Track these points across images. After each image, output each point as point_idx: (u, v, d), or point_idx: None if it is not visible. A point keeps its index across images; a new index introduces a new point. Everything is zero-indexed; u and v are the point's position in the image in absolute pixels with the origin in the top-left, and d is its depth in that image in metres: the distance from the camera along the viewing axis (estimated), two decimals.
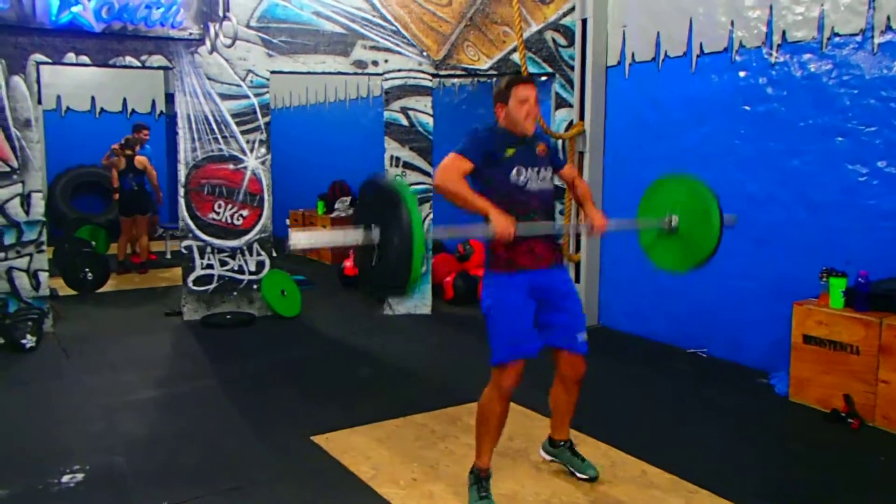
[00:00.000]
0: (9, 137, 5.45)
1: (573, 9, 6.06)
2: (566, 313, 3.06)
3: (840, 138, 4.42)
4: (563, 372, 3.13)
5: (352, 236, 2.58)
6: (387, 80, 6.31)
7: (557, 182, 3.18)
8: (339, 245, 2.56)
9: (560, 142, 6.12)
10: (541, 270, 2.98)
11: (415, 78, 6.31)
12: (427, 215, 6.42)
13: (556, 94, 6.22)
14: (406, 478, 3.29)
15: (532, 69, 6.04)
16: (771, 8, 4.72)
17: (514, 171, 2.94)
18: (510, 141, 2.97)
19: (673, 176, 3.35)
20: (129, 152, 7.98)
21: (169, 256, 9.37)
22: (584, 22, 5.91)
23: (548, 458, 3.35)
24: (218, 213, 6.18)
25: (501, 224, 2.75)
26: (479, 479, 3.03)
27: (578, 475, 3.23)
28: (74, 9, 5.45)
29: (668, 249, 3.27)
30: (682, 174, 3.33)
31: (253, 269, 6.31)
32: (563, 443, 3.30)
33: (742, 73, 4.93)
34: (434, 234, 2.54)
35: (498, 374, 2.93)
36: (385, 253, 2.53)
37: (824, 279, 4.20)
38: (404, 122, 6.34)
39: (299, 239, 2.48)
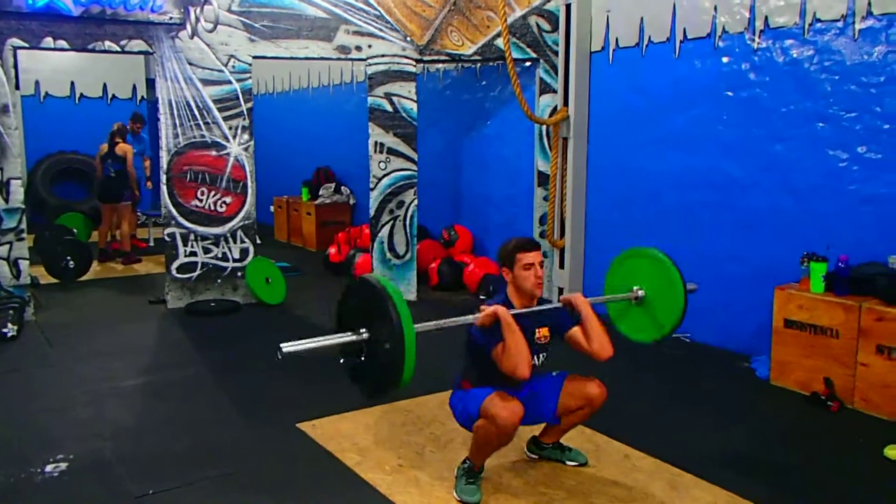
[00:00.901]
0: None
1: None
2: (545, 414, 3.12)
3: (821, 124, 4.45)
4: (591, 397, 3.13)
5: (342, 340, 2.60)
6: (370, 65, 6.27)
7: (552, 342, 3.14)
8: (330, 346, 2.58)
9: (546, 132, 6.13)
10: (524, 386, 3.03)
11: (399, 63, 6.28)
12: (411, 201, 6.41)
13: (541, 79, 6.22)
14: (392, 463, 3.31)
15: (516, 54, 6.02)
16: None
17: None
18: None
19: (637, 251, 3.43)
20: (117, 140, 7.87)
21: (152, 244, 9.29)
22: (567, 7, 5.90)
23: (533, 457, 3.37)
24: (201, 200, 6.13)
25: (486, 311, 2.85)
26: (472, 472, 3.04)
27: (569, 463, 3.28)
28: None
29: (635, 320, 3.37)
30: (645, 249, 3.40)
31: (237, 256, 6.28)
32: (550, 445, 3.33)
33: (725, 59, 4.95)
34: (422, 327, 2.58)
35: (488, 414, 2.87)
36: (376, 351, 2.54)
37: (805, 264, 4.25)
38: (388, 107, 6.31)
39: (291, 347, 2.52)
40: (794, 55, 4.57)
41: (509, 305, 2.97)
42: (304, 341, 2.50)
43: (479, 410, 2.90)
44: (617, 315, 3.46)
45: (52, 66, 10.89)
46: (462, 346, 3.13)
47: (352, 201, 9.51)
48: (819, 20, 4.43)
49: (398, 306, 2.49)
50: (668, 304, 3.24)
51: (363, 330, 2.58)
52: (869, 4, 4.19)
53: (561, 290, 6.13)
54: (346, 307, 2.72)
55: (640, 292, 3.32)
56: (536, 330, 3.03)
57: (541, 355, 3.08)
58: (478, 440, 2.96)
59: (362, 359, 2.59)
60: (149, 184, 9.00)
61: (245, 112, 6.13)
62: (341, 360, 2.67)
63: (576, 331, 3.05)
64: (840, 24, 4.33)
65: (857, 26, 4.26)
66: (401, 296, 2.55)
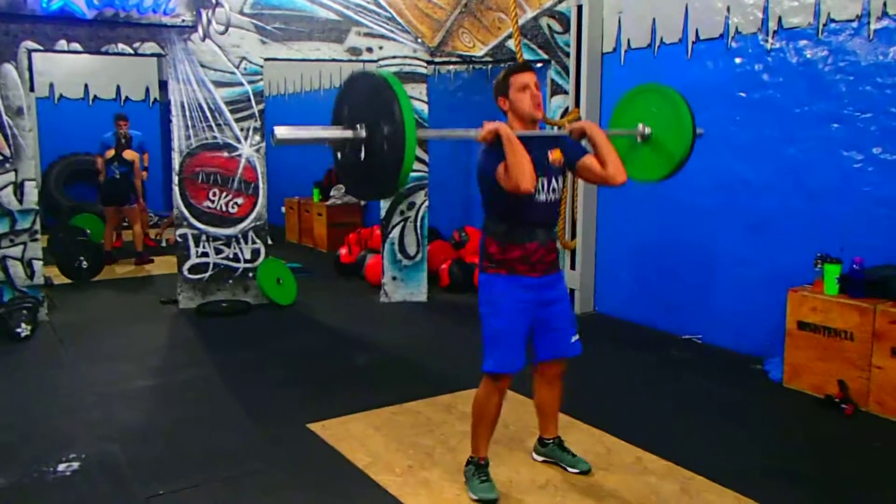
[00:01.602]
0: (0, 126, 5.41)
1: None
2: (560, 326, 3.06)
3: (836, 125, 4.41)
4: (545, 370, 3.15)
5: (338, 132, 2.47)
6: (381, 67, 6.27)
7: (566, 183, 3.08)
8: (324, 139, 2.46)
9: (556, 130, 6.11)
10: (535, 280, 2.94)
11: (410, 65, 6.28)
12: (423, 202, 6.41)
13: (552, 80, 6.20)
14: (402, 465, 3.30)
15: (527, 56, 6.01)
16: None
17: None
18: (525, 147, 2.82)
19: (645, 86, 3.30)
20: (122, 141, 7.94)
21: (164, 244, 9.34)
22: (579, 8, 5.88)
23: (540, 459, 3.35)
24: (213, 201, 6.16)
25: (487, 127, 2.76)
26: (479, 466, 3.04)
27: (570, 470, 3.23)
28: None
29: (641, 159, 3.25)
30: (653, 84, 3.29)
31: (248, 257, 6.30)
32: (551, 440, 3.31)
33: (738, 60, 4.92)
34: (423, 134, 2.44)
35: (491, 378, 2.94)
36: (375, 147, 2.41)
37: (819, 266, 4.21)
38: None
39: (281, 132, 2.38)
40: (808, 56, 4.53)
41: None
42: (299, 128, 2.39)
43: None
44: (622, 155, 3.33)
45: (67, 69, 10.98)
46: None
47: (363, 202, 9.52)
48: (833, 20, 4.39)
49: (399, 93, 2.37)
50: (676, 138, 3.10)
51: (360, 126, 2.47)
52: (884, 4, 4.15)
53: (572, 292, 6.11)
54: (345, 101, 2.59)
55: (647, 129, 3.18)
56: (548, 152, 2.91)
57: (559, 178, 2.95)
58: (476, 412, 3.01)
59: (359, 158, 2.47)
60: (145, 174, 9.03)
61: (257, 114, 6.15)
62: (337, 155, 2.51)
63: (588, 159, 2.94)
64: (855, 25, 4.29)
65: (873, 27, 4.22)
66: (405, 94, 2.41)
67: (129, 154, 7.95)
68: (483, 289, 2.99)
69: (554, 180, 2.93)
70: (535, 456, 3.36)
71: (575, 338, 3.09)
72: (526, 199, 2.82)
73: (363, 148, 2.45)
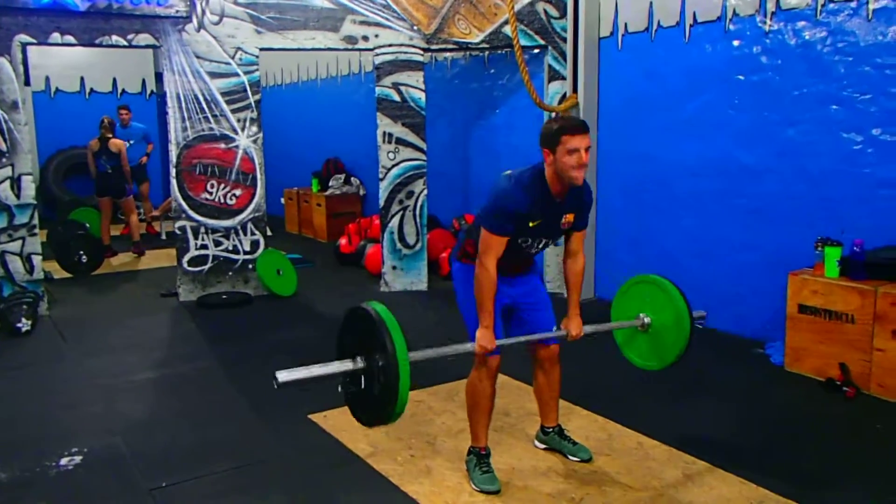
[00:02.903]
0: None
1: None
2: (538, 315, 3.10)
3: (835, 107, 4.39)
4: (540, 357, 3.17)
5: (337, 367, 2.57)
6: (378, 55, 6.24)
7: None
8: (327, 375, 2.54)
9: (554, 115, 6.08)
10: (509, 278, 3.01)
11: (406, 53, 6.24)
12: (421, 191, 6.39)
13: (549, 66, 6.16)
14: (404, 454, 3.30)
15: (524, 42, 5.97)
16: None
17: (523, 239, 2.88)
18: (540, 209, 2.82)
19: (643, 278, 3.34)
20: (108, 135, 7.88)
21: (164, 237, 9.34)
22: None
23: (541, 446, 3.35)
24: (211, 193, 6.14)
25: (484, 339, 2.82)
26: (480, 456, 3.04)
27: (571, 458, 3.23)
28: None
29: (642, 347, 3.31)
30: (652, 277, 3.31)
31: (248, 248, 6.29)
32: (551, 429, 3.31)
33: (736, 43, 4.88)
34: (416, 357, 2.53)
35: (480, 359, 2.97)
36: (372, 380, 2.51)
37: (819, 248, 4.19)
38: (396, 97, 6.28)
39: (283, 376, 2.51)
40: (807, 37, 4.49)
41: (542, 187, 2.81)
42: (300, 370, 2.49)
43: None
44: (624, 341, 3.40)
45: (62, 62, 10.94)
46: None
47: (362, 192, 9.50)
48: (832, 1, 4.35)
49: (393, 336, 2.43)
50: (674, 334, 3.15)
51: (359, 358, 2.55)
52: None
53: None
54: (345, 335, 2.68)
55: (647, 319, 3.23)
56: (565, 215, 2.93)
57: (553, 240, 3.03)
58: (469, 400, 3.04)
59: (360, 387, 2.56)
60: (144, 159, 9.18)
61: (253, 104, 6.12)
62: (339, 389, 2.64)
63: (575, 237, 3.03)
64: (853, 5, 4.26)
65: (871, 6, 4.18)
66: (396, 325, 2.48)
67: (114, 145, 7.86)
68: (458, 276, 3.08)
69: (552, 241, 3.02)
70: (536, 444, 3.37)
71: (555, 328, 3.10)
72: (517, 248, 2.89)
73: (363, 378, 2.55)
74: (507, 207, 2.78)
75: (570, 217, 2.95)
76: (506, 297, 3.03)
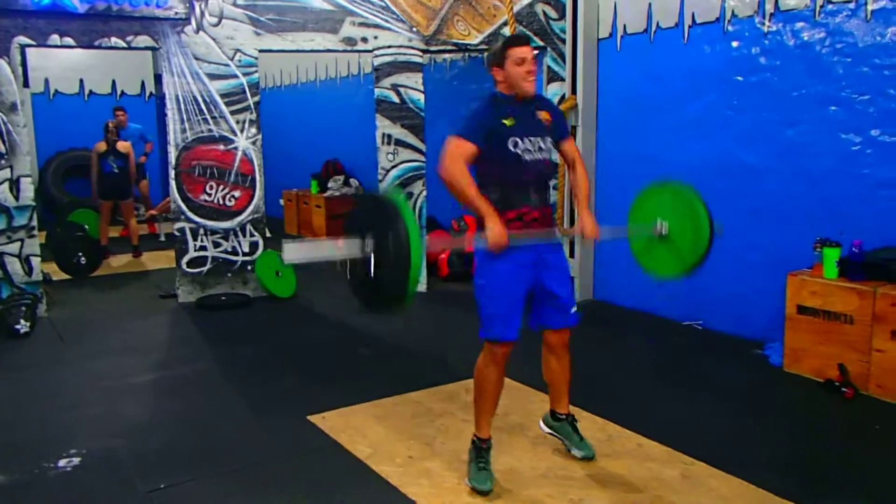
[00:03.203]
0: None
1: None
2: (559, 295, 3.03)
3: (834, 107, 4.39)
4: (550, 342, 3.13)
5: (347, 247, 2.52)
6: (377, 56, 6.24)
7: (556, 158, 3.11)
8: (335, 258, 2.50)
9: None
10: (533, 249, 2.93)
11: (405, 54, 6.24)
12: (420, 192, 6.39)
13: (548, 67, 6.17)
14: (403, 455, 3.30)
15: None
16: None
17: (511, 142, 2.86)
18: (510, 110, 2.87)
19: (662, 183, 3.32)
20: (114, 138, 7.91)
21: (162, 238, 9.35)
22: None
23: (547, 430, 3.33)
24: (210, 195, 6.14)
25: (495, 234, 2.73)
26: (480, 449, 3.03)
27: (573, 452, 3.23)
28: None
29: (659, 256, 3.27)
30: (671, 181, 3.29)
31: (247, 250, 6.29)
32: (564, 416, 3.28)
33: (735, 44, 4.89)
34: (429, 245, 2.48)
35: (489, 345, 2.94)
36: (381, 265, 2.47)
37: (818, 249, 4.19)
38: (395, 99, 6.28)
39: (292, 252, 2.44)
40: (806, 38, 4.50)
41: (502, 98, 2.89)
42: (307, 245, 2.44)
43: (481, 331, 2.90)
44: (640, 250, 3.33)
45: (61, 64, 10.93)
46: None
47: (361, 193, 9.50)
48: (830, 2, 4.36)
49: (406, 219, 2.40)
50: (693, 238, 3.10)
51: (369, 242, 2.50)
52: None
53: (572, 280, 6.09)
54: (353, 220, 2.64)
55: (664, 228, 3.18)
56: (538, 112, 2.95)
57: (546, 138, 2.97)
58: (477, 387, 3.01)
59: (366, 272, 2.50)
60: (143, 158, 9.28)
61: (252, 106, 6.12)
62: (346, 271, 2.57)
63: (567, 145, 3.05)
64: (852, 6, 4.26)
65: (870, 7, 4.18)
66: (409, 209, 2.46)
67: (122, 146, 7.91)
68: (479, 261, 2.98)
69: (541, 140, 2.94)
70: (542, 426, 3.34)
71: (574, 309, 3.08)
72: (514, 159, 2.86)
73: (372, 264, 2.50)
74: (475, 113, 2.84)
75: (545, 114, 2.97)
76: (528, 285, 2.95)
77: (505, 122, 2.86)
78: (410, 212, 2.46)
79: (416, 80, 6.28)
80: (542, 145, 2.95)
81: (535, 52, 6.18)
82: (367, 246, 2.50)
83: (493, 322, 2.90)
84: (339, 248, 2.51)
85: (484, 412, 3.03)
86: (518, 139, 2.87)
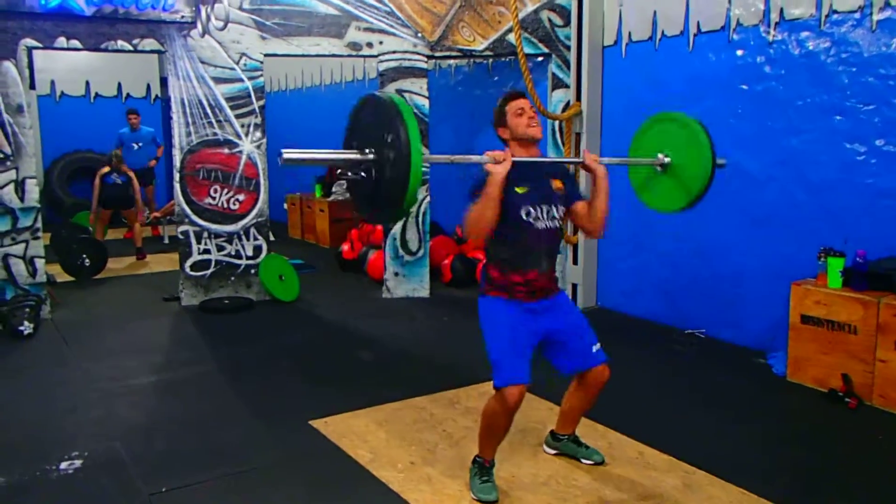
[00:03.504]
0: (0, 124, 5.41)
1: None
2: (574, 338, 3.02)
3: (838, 117, 4.39)
4: (588, 381, 3.07)
5: (346, 154, 2.49)
6: (382, 62, 6.25)
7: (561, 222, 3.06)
8: (332, 161, 2.47)
9: (559, 127, 6.09)
10: (535, 305, 2.94)
11: (410, 60, 6.26)
12: (423, 198, 6.40)
13: (553, 74, 6.17)
14: (404, 461, 3.30)
15: (528, 49, 5.98)
16: None
17: (524, 210, 2.85)
18: (522, 176, 2.83)
19: (664, 115, 3.28)
20: (121, 165, 8.06)
21: (166, 241, 9.36)
22: (580, 1, 5.85)
23: (552, 452, 3.33)
24: (214, 198, 6.15)
25: (496, 160, 2.72)
26: (483, 468, 3.02)
27: (585, 462, 3.23)
28: None
29: (659, 189, 3.24)
30: (675, 113, 3.25)
31: (250, 253, 6.29)
32: (565, 436, 3.30)
33: (740, 52, 4.89)
34: (432, 159, 2.45)
35: (500, 393, 2.84)
36: (382, 169, 2.42)
37: (822, 259, 4.19)
38: None
39: (291, 154, 2.41)
40: (810, 47, 4.50)
41: (510, 171, 2.83)
42: (307, 151, 2.42)
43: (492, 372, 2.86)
44: (640, 184, 3.30)
45: (68, 66, 10.97)
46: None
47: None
48: (836, 11, 4.36)
49: (408, 124, 2.37)
50: (695, 169, 3.07)
51: (369, 150, 2.47)
52: None
53: (575, 287, 6.10)
54: (354, 124, 2.61)
55: (666, 159, 3.15)
56: (552, 180, 2.95)
57: (559, 206, 2.95)
58: (484, 423, 2.95)
59: (364, 175, 2.47)
60: (153, 162, 9.51)
61: (257, 110, 6.13)
62: (347, 175, 2.53)
63: (580, 206, 3.00)
64: (857, 16, 4.26)
65: (875, 17, 4.18)
66: (412, 116, 2.42)
67: (127, 170, 8.14)
68: (483, 310, 2.98)
69: (554, 208, 2.94)
70: (546, 449, 3.35)
71: (596, 347, 3.04)
72: (525, 226, 2.86)
73: (372, 170, 2.47)
74: (486, 178, 2.78)
75: (558, 183, 2.96)
76: (536, 334, 2.94)
77: (518, 189, 2.84)
78: (410, 111, 2.41)
79: (420, 85, 6.29)
80: (555, 213, 2.95)
81: (540, 63, 6.23)
82: (367, 153, 2.46)
83: (501, 366, 2.84)
84: (338, 154, 2.48)
85: (490, 445, 3.01)
86: (531, 207, 2.87)
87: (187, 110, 5.97)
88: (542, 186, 2.91)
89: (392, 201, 2.45)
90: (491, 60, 7.09)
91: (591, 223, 2.98)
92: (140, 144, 9.16)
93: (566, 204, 2.99)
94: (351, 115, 2.65)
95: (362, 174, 2.48)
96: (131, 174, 8.16)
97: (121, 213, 8.34)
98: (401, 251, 6.43)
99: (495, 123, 2.97)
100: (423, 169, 2.43)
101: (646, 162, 3.22)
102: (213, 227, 6.17)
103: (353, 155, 2.50)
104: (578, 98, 5.93)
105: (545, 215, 2.91)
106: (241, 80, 6.05)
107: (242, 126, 6.12)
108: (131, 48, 5.77)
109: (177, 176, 6.05)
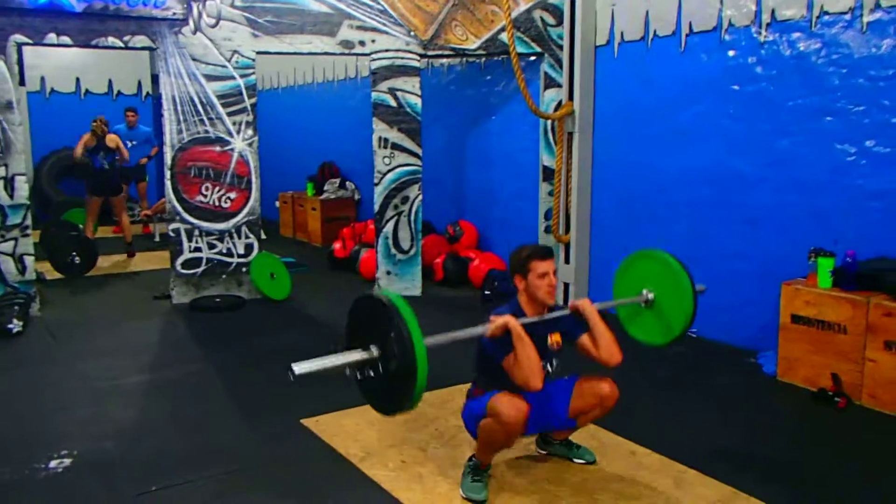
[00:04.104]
0: None
1: None
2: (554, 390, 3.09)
3: (829, 118, 4.41)
4: (603, 396, 3.08)
5: (353, 357, 2.54)
6: (374, 60, 6.24)
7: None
8: (342, 366, 2.51)
9: (551, 126, 6.10)
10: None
11: (402, 58, 6.25)
12: (416, 196, 6.39)
13: (545, 74, 6.18)
14: (395, 460, 3.29)
15: (520, 49, 5.99)
16: None
17: None
18: (525, 330, 2.85)
19: (644, 253, 3.40)
20: (104, 129, 7.82)
21: (157, 239, 9.33)
22: (572, 1, 5.86)
23: (542, 452, 3.35)
24: (205, 196, 6.12)
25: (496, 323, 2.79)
26: (478, 469, 3.03)
27: (577, 461, 3.25)
28: None
29: (645, 324, 3.35)
30: (652, 252, 3.37)
31: (241, 251, 6.27)
32: (558, 441, 3.32)
33: (731, 53, 4.91)
34: (432, 342, 2.51)
35: (494, 411, 2.84)
36: (388, 367, 2.49)
37: (812, 259, 4.21)
38: (392, 102, 6.28)
39: (301, 368, 2.46)
40: (802, 48, 4.52)
41: (520, 314, 2.93)
42: (315, 361, 2.44)
43: (485, 408, 2.88)
44: (627, 318, 3.43)
45: (58, 63, 10.90)
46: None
47: (356, 197, 9.50)
48: (827, 13, 4.38)
49: (408, 323, 2.43)
50: (678, 307, 3.20)
51: (373, 347, 2.53)
52: None
53: (567, 286, 6.10)
54: (354, 322, 2.66)
55: (650, 295, 3.29)
56: (549, 336, 3.01)
57: (553, 361, 3.07)
58: (482, 438, 2.95)
59: (372, 375, 2.53)
60: (144, 160, 9.42)
61: (249, 107, 6.11)
62: (356, 376, 2.59)
63: (585, 338, 3.03)
64: (848, 17, 4.28)
65: (866, 19, 4.21)
66: (410, 310, 2.48)
67: (111, 140, 7.86)
68: (472, 405, 3.02)
69: (549, 364, 3.01)
70: (538, 450, 3.36)
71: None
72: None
73: (379, 366, 2.52)
74: (502, 339, 2.82)
75: (556, 337, 3.02)
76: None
77: None
78: (410, 312, 2.47)
79: (413, 84, 6.28)
80: (550, 368, 3.03)
81: (532, 62, 6.23)
82: (372, 351, 2.52)
83: (483, 399, 2.90)
84: (346, 359, 2.52)
85: (488, 453, 3.02)
86: None
87: (179, 108, 5.94)
88: (541, 342, 2.93)
89: (402, 394, 2.50)
90: (483, 59, 7.09)
91: (600, 351, 2.99)
92: (134, 143, 9.10)
93: (571, 341, 3.05)
94: (349, 315, 2.69)
95: (370, 373, 2.54)
96: (116, 142, 7.90)
97: (109, 201, 8.15)
98: (393, 250, 6.43)
99: (513, 269, 3.00)
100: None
101: (631, 301, 3.34)
102: (205, 224, 6.15)
103: (359, 355, 2.54)
104: (571, 97, 5.93)
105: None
106: (233, 78, 6.03)
107: (234, 124, 6.09)
108: (122, 45, 5.73)
109: (168, 174, 6.02)
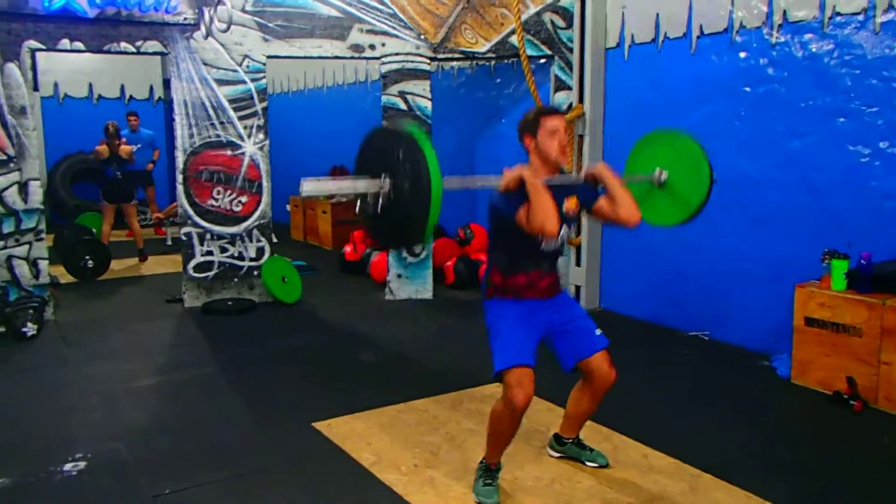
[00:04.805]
0: (4, 125, 5.41)
1: None
2: (577, 322, 3.03)
3: (842, 119, 4.38)
4: (595, 384, 3.05)
5: (362, 185, 2.44)
6: (384, 63, 6.25)
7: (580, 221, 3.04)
8: (348, 193, 2.43)
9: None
10: (540, 302, 2.96)
11: (412, 62, 6.26)
12: None
13: (555, 76, 6.17)
14: (407, 463, 3.29)
15: (530, 52, 5.99)
16: None
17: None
18: None
19: (661, 131, 3.31)
20: (116, 142, 7.94)
21: (169, 243, 9.37)
22: (582, 3, 5.85)
23: (556, 455, 3.33)
24: (217, 200, 6.15)
25: (509, 175, 2.72)
26: (489, 470, 3.02)
27: (589, 464, 3.23)
28: None
29: (657, 205, 3.25)
30: (669, 129, 3.28)
31: (253, 255, 6.30)
32: (570, 440, 3.29)
33: (742, 54, 4.89)
34: (447, 184, 2.39)
35: (506, 388, 2.80)
36: (400, 200, 2.38)
37: (826, 261, 4.18)
38: (403, 106, 6.29)
39: (307, 186, 2.37)
40: (814, 49, 4.49)
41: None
42: (323, 181, 2.35)
43: (499, 375, 2.82)
44: (638, 200, 3.34)
45: (71, 68, 10.99)
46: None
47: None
48: (839, 13, 4.35)
49: (426, 154, 2.33)
50: (693, 184, 3.09)
51: (385, 176, 2.42)
52: None
53: (578, 289, 6.09)
54: (367, 153, 2.56)
55: (663, 175, 3.17)
56: (565, 200, 2.90)
57: (570, 227, 2.99)
58: (491, 426, 2.94)
59: (380, 209, 2.42)
60: (150, 166, 9.45)
61: (260, 111, 6.13)
62: (358, 207, 2.49)
63: (602, 200, 2.95)
64: (861, 18, 4.26)
65: (879, 20, 4.18)
66: (429, 145, 2.38)
67: (124, 151, 7.96)
68: (487, 311, 3.00)
69: (563, 228, 2.93)
70: (550, 452, 3.35)
71: (598, 331, 3.05)
72: (534, 244, 2.84)
73: (388, 199, 2.44)
74: (509, 194, 2.76)
75: (572, 201, 2.93)
76: (539, 328, 2.95)
77: None
78: (429, 143, 2.37)
79: (423, 87, 6.29)
80: (563, 234, 2.95)
81: (542, 65, 6.22)
82: (384, 182, 2.41)
83: (504, 352, 2.82)
84: (356, 186, 2.42)
85: (497, 447, 3.00)
86: None
87: (190, 112, 5.98)
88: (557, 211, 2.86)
89: (412, 230, 2.42)
90: (493, 62, 7.09)
91: (619, 210, 2.89)
92: (138, 146, 9.16)
93: (588, 210, 3.00)
94: (362, 143, 2.62)
95: (381, 206, 2.44)
96: (129, 154, 7.98)
97: (121, 208, 8.25)
98: (404, 253, 6.43)
99: (522, 129, 2.90)
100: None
101: (643, 178, 3.23)
102: (216, 228, 6.17)
103: (370, 185, 2.45)
104: (581, 100, 5.93)
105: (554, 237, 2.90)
106: (244, 82, 6.06)
107: (245, 128, 6.12)
108: (134, 50, 5.78)
109: (180, 178, 6.05)
